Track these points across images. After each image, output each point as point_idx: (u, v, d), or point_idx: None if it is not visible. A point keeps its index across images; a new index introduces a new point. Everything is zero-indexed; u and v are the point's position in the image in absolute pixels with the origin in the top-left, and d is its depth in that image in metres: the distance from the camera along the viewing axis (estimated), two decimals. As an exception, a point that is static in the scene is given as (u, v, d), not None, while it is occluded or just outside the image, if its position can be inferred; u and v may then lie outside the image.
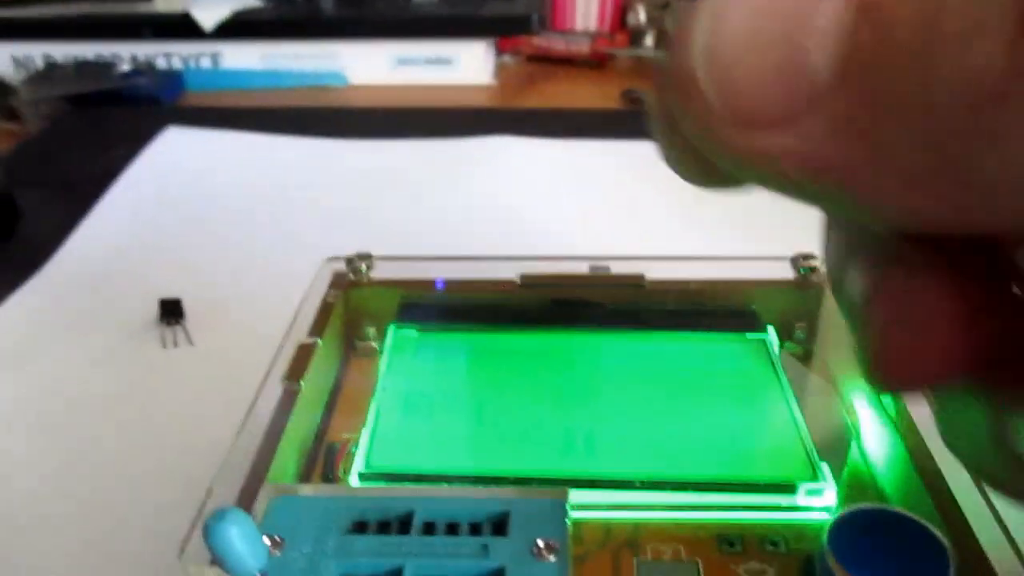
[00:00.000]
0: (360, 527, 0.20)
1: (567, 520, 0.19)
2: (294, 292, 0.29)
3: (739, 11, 0.10)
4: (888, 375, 0.12)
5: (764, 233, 0.36)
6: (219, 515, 0.17)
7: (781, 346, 0.28)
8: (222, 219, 0.51)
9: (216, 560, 0.17)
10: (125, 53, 0.77)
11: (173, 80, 0.76)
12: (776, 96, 0.10)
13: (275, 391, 0.24)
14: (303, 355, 0.25)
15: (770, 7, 0.10)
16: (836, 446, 0.24)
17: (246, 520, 0.17)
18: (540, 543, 0.19)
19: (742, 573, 0.21)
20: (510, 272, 0.29)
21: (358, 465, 0.23)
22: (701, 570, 0.21)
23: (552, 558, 0.18)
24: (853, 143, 0.10)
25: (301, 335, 0.26)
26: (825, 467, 0.23)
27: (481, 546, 0.19)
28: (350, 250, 0.30)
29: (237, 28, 0.75)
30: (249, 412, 0.23)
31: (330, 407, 0.26)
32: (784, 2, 0.10)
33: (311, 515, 0.20)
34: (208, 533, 0.17)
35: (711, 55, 0.10)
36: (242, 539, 0.17)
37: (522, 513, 0.20)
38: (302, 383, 0.24)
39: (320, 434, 0.25)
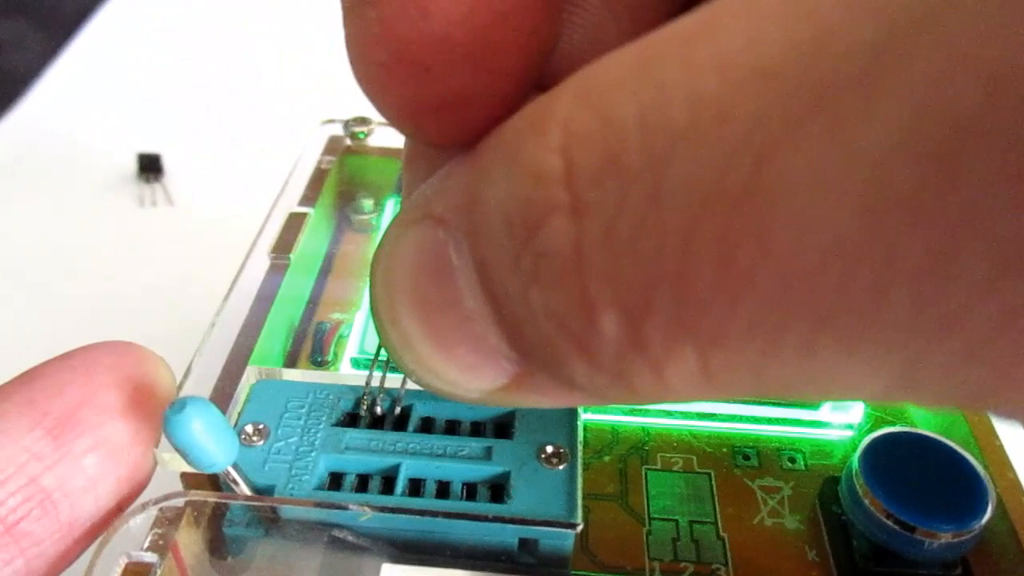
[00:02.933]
0: (351, 419, 0.18)
1: (579, 424, 0.18)
2: (285, 154, 0.26)
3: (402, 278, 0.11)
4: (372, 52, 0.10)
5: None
6: (179, 405, 0.15)
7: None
8: (209, 68, 0.47)
9: (178, 452, 0.15)
10: None
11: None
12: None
13: (261, 264, 0.22)
14: (293, 226, 0.23)
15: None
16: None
17: (210, 411, 0.15)
18: (548, 449, 0.17)
19: (756, 488, 0.19)
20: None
21: (351, 350, 0.21)
22: (713, 482, 0.19)
23: (561, 466, 0.17)
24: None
25: (291, 203, 0.24)
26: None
27: (484, 448, 0.17)
28: (349, 112, 0.27)
29: None
30: (232, 286, 0.20)
31: (320, 284, 0.24)
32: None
33: (298, 403, 0.18)
34: (167, 425, 0.15)
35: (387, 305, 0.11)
36: (205, 432, 0.15)
37: (529, 414, 0.18)
38: (291, 256, 0.22)
39: (309, 313, 0.23)
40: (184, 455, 0.15)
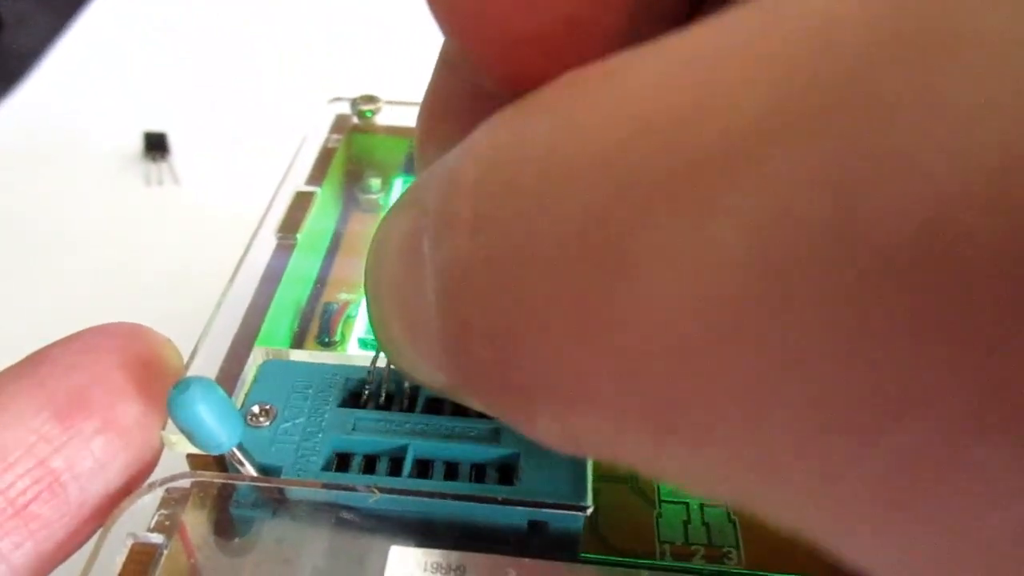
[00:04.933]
0: (359, 400, 0.18)
1: (588, 407, 0.18)
2: (291, 133, 0.26)
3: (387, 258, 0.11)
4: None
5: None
6: (182, 386, 0.15)
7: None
8: (216, 47, 0.47)
9: (183, 433, 0.15)
10: None
11: None
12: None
13: (268, 243, 0.21)
14: (300, 205, 0.23)
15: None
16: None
17: (214, 391, 0.15)
18: (557, 431, 0.17)
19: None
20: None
21: (358, 330, 0.21)
22: (724, 466, 0.19)
23: (570, 448, 0.17)
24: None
25: (298, 182, 0.23)
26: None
27: (492, 430, 0.17)
28: (356, 90, 0.27)
29: None
30: (239, 265, 0.20)
31: (328, 264, 0.24)
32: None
33: (305, 383, 0.18)
34: (171, 405, 0.15)
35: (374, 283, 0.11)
36: (209, 412, 0.15)
37: (538, 396, 0.18)
38: (298, 236, 0.22)
39: (316, 293, 0.23)
40: (188, 435, 0.15)
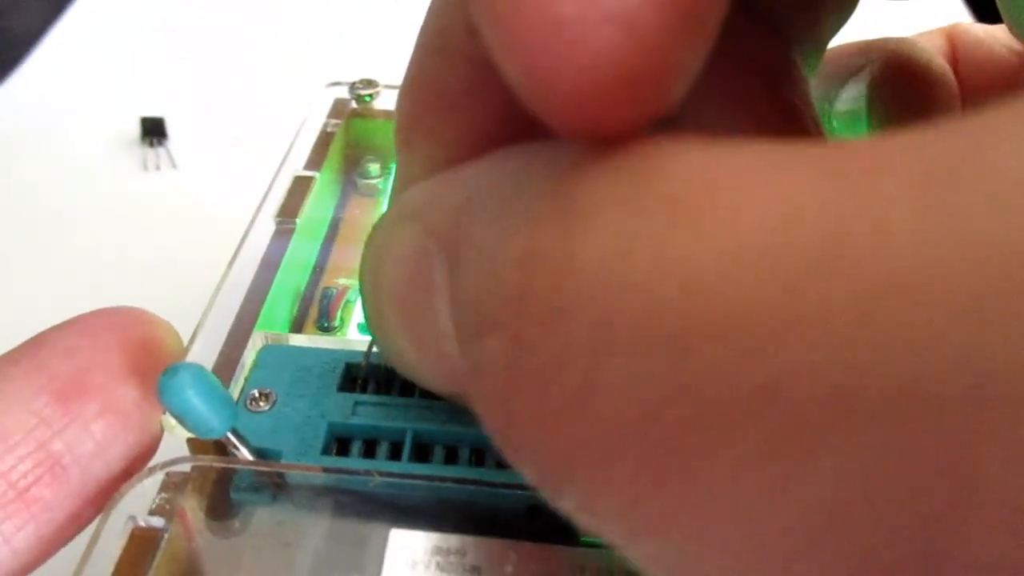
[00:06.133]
0: (358, 384, 0.18)
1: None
2: (290, 117, 0.26)
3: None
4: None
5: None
6: (171, 372, 0.15)
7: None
8: (213, 30, 0.47)
9: (175, 418, 0.15)
10: None
11: None
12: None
13: (267, 228, 0.21)
14: (299, 189, 0.23)
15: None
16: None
17: (204, 376, 0.15)
18: (557, 416, 0.17)
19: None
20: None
21: (358, 315, 0.21)
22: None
23: (569, 433, 0.17)
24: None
25: (297, 167, 0.23)
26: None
27: (491, 415, 0.17)
28: (355, 74, 0.27)
29: None
30: (238, 250, 0.20)
31: (327, 249, 0.24)
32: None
33: (305, 368, 0.18)
34: (160, 391, 0.15)
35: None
36: (199, 398, 0.15)
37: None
38: (297, 221, 0.22)
39: (315, 278, 0.23)
40: (180, 420, 0.15)
